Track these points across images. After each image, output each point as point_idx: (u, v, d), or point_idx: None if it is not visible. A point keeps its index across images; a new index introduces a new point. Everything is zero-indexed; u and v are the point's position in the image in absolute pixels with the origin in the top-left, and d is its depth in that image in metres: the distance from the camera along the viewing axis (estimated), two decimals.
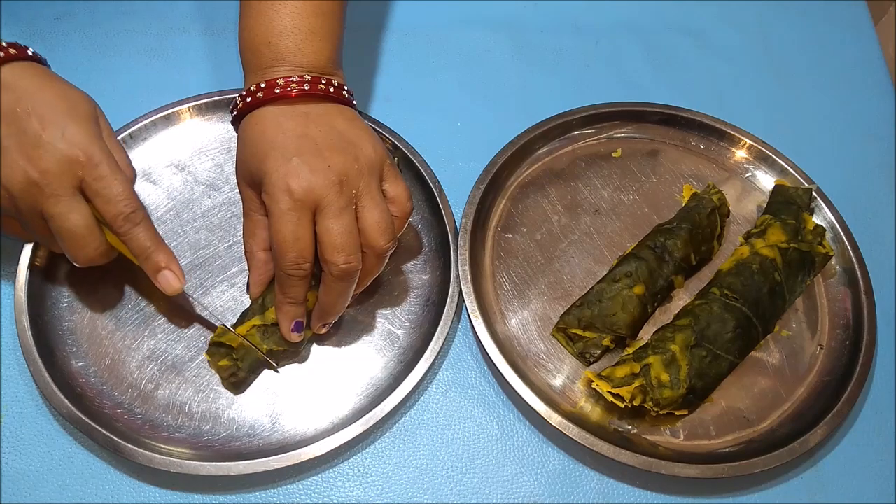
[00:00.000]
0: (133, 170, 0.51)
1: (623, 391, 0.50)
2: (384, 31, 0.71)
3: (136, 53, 0.68)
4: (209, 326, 0.54)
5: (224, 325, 0.51)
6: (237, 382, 0.52)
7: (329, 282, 0.48)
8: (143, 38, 0.69)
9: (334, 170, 0.47)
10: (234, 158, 0.61)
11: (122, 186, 0.47)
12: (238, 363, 0.51)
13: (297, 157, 0.47)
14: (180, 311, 0.55)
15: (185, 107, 0.62)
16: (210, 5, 0.71)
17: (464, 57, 0.70)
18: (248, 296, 0.55)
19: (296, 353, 0.53)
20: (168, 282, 0.49)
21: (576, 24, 0.73)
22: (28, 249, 0.54)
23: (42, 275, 0.55)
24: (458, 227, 0.58)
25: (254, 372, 0.53)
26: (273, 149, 0.48)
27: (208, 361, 0.52)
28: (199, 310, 0.54)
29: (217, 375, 0.53)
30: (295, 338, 0.51)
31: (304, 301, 0.50)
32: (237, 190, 0.59)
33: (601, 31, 0.73)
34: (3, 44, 0.48)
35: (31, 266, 0.54)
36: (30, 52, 0.49)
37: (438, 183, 0.59)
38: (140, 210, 0.48)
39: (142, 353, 0.53)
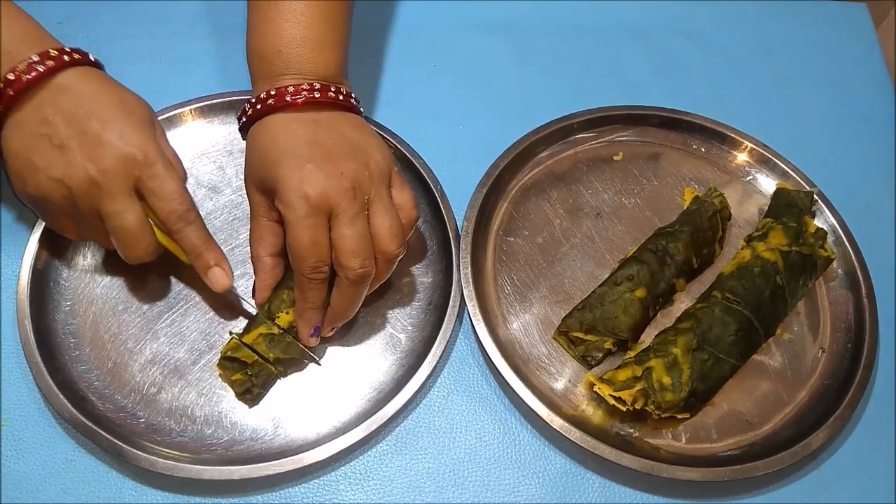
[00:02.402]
0: (184, 170, 0.53)
1: (625, 394, 0.50)
2: (385, 34, 0.71)
3: (138, 57, 0.68)
4: (244, 314, 0.55)
5: (237, 338, 0.51)
6: (253, 398, 0.52)
7: (344, 286, 0.49)
8: (144, 42, 0.69)
9: (347, 176, 0.48)
10: (236, 161, 0.61)
11: (176, 185, 0.49)
12: (253, 379, 0.51)
13: (311, 163, 0.48)
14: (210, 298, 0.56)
15: (186, 109, 0.62)
16: (212, 9, 0.71)
17: (465, 60, 0.70)
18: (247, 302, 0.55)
19: (300, 362, 0.53)
20: (217, 279, 0.51)
21: (576, 27, 0.73)
22: (30, 252, 0.54)
23: (44, 279, 0.55)
24: (460, 230, 0.58)
25: (267, 386, 0.53)
26: (286, 155, 0.48)
27: (220, 374, 0.52)
28: (243, 304, 0.55)
29: (220, 380, 0.53)
30: (313, 342, 0.52)
31: (324, 305, 0.51)
32: (239, 193, 0.60)
33: (602, 34, 0.73)
34: (68, 49, 0.49)
35: (34, 270, 0.54)
36: (91, 59, 0.51)
37: (440, 186, 0.59)
38: (193, 209, 0.50)
39: (144, 356, 0.53)
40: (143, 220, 0.49)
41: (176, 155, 0.52)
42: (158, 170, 0.48)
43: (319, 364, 0.54)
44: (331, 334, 0.53)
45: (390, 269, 0.51)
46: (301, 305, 0.50)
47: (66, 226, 0.52)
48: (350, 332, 0.55)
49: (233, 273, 0.52)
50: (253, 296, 0.54)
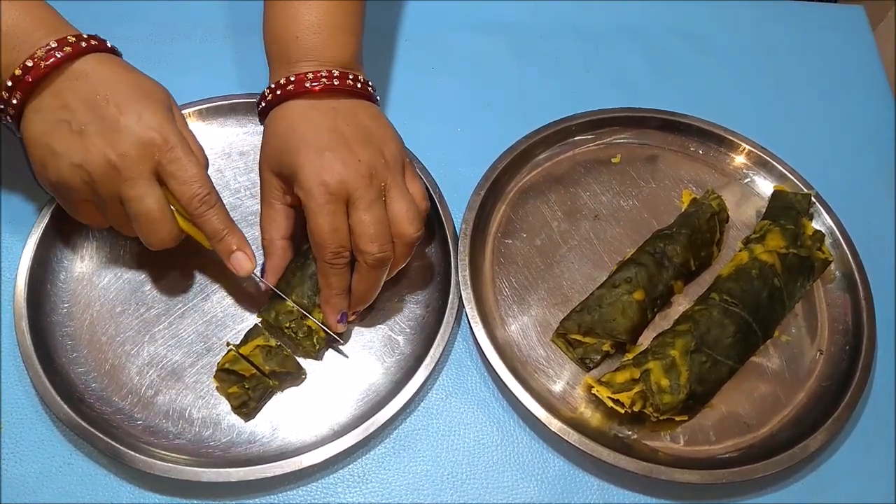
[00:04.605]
0: (206, 157, 0.52)
1: (623, 397, 0.50)
2: (384, 36, 0.71)
3: (136, 60, 0.67)
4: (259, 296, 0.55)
5: (235, 350, 0.51)
6: (249, 412, 0.52)
7: (363, 271, 0.50)
8: (143, 44, 0.69)
9: (364, 163, 0.49)
10: (234, 164, 0.62)
11: (197, 169, 0.49)
12: (249, 392, 0.51)
13: (329, 151, 0.49)
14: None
15: (185, 112, 0.62)
16: (211, 11, 0.71)
17: (464, 62, 0.70)
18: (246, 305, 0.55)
19: (297, 376, 0.53)
20: (241, 264, 0.51)
21: (575, 28, 0.73)
22: (28, 254, 0.54)
23: (42, 281, 0.55)
24: (458, 232, 0.58)
25: (263, 400, 0.52)
26: (305, 143, 0.49)
27: (216, 386, 0.52)
28: (263, 287, 0.55)
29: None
30: (341, 328, 0.53)
31: (348, 290, 0.51)
32: (237, 196, 0.60)
33: (601, 36, 0.73)
34: (85, 35, 0.50)
35: (31, 271, 0.54)
36: (108, 45, 0.51)
37: (438, 188, 0.59)
38: (214, 193, 0.50)
39: (141, 358, 0.53)
40: (164, 204, 0.48)
41: (197, 141, 0.52)
42: (178, 153, 0.48)
43: (304, 377, 0.54)
44: (354, 318, 0.54)
45: (409, 253, 0.51)
46: (326, 292, 0.51)
47: (89, 213, 0.52)
48: (346, 335, 0.55)
49: (255, 258, 0.51)
50: (260, 279, 0.54)
